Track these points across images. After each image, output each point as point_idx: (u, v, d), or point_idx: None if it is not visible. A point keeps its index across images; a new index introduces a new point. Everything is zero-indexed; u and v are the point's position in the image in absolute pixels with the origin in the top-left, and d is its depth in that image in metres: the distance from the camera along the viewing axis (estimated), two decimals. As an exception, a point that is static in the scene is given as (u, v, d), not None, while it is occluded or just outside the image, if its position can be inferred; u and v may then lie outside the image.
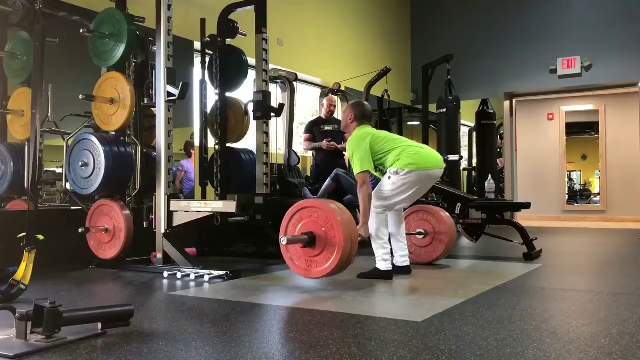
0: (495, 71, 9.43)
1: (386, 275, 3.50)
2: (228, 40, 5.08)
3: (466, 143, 10.58)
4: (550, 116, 10.81)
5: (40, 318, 2.04)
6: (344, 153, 5.98)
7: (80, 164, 4.15)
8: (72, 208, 4.57)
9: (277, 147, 5.91)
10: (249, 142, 5.23)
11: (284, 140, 5.83)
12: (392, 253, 3.66)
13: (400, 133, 8.71)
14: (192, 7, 5.44)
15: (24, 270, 2.92)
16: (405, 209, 3.90)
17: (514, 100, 9.76)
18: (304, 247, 3.18)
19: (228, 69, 5.02)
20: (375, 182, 3.70)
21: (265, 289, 3.38)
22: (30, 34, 4.25)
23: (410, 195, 3.56)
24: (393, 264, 3.61)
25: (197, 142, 5.41)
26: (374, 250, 3.55)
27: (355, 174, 3.60)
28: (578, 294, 3.19)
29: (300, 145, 6.65)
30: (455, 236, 4.24)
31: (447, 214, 4.30)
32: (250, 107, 4.79)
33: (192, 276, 3.66)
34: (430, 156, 3.64)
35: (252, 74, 4.97)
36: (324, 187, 5.19)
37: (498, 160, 9.57)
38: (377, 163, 3.59)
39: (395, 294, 3.21)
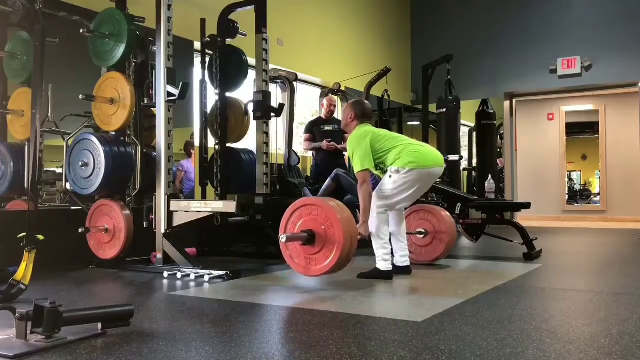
0: (495, 71, 9.43)
1: (386, 276, 3.50)
2: (228, 40, 5.08)
3: (466, 143, 10.58)
4: (550, 116, 10.81)
5: (40, 318, 2.04)
6: (344, 153, 5.98)
7: (80, 164, 4.15)
8: (72, 208, 4.57)
9: (277, 147, 5.91)
10: (249, 142, 5.23)
11: (284, 140, 5.83)
12: (392, 253, 3.66)
13: (400, 133, 8.65)
14: (192, 7, 5.44)
15: (24, 270, 2.92)
16: (405, 209, 3.90)
17: (514, 100, 9.76)
18: (303, 245, 3.19)
19: (228, 69, 5.02)
20: (376, 182, 3.71)
21: (265, 289, 3.38)
22: (30, 34, 4.25)
23: (411, 194, 3.56)
24: (393, 264, 3.61)
25: (197, 142, 5.41)
26: (375, 250, 3.55)
27: (355, 172, 3.60)
28: (578, 294, 3.19)
29: (300, 145, 6.65)
30: (455, 236, 4.24)
31: (448, 213, 4.30)
32: (250, 107, 4.79)
33: (192, 276, 3.66)
34: (431, 154, 3.64)
35: (252, 74, 4.97)
36: (324, 187, 5.19)
37: (498, 160, 9.57)
38: (378, 161, 3.59)
39: (395, 294, 3.21)
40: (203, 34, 5.11)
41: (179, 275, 3.70)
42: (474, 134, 9.64)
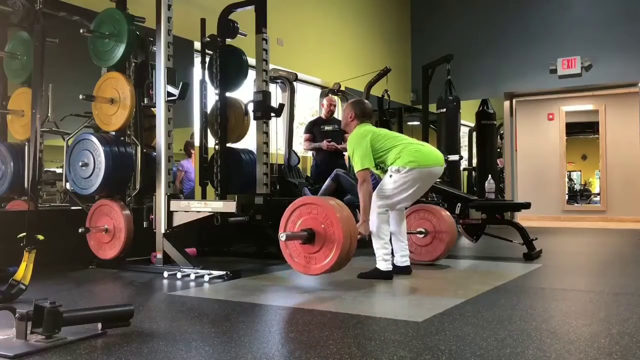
0: (495, 71, 9.43)
1: (386, 276, 3.50)
2: (228, 40, 5.08)
3: (466, 143, 10.58)
4: (550, 116, 10.81)
5: (40, 318, 2.04)
6: (344, 153, 5.98)
7: (80, 164, 4.15)
8: (72, 208, 4.57)
9: (277, 147, 5.91)
10: (249, 142, 5.23)
11: (284, 140, 5.83)
12: (392, 253, 3.66)
13: (400, 133, 8.70)
14: (192, 7, 5.44)
15: (24, 270, 2.92)
16: (406, 208, 3.90)
17: (514, 100, 9.76)
18: (303, 244, 3.19)
19: (228, 69, 5.02)
20: (376, 182, 3.70)
21: (265, 289, 3.38)
22: (30, 34, 4.25)
23: (411, 193, 3.56)
24: (393, 264, 3.61)
25: (197, 142, 5.41)
26: (375, 250, 3.55)
27: (355, 171, 3.60)
28: (578, 294, 3.19)
29: (300, 145, 6.65)
30: (455, 235, 4.25)
31: (448, 213, 4.31)
32: (250, 107, 4.79)
33: (192, 276, 3.66)
34: (431, 153, 3.64)
35: (252, 74, 4.97)
36: (324, 187, 5.19)
37: (498, 160, 9.57)
38: (378, 161, 3.59)
39: (395, 294, 3.21)
40: (203, 34, 5.11)
41: (179, 275, 3.70)
42: (474, 134, 9.64)
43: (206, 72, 5.16)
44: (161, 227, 3.99)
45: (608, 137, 10.38)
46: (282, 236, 3.17)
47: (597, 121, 10.60)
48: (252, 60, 4.90)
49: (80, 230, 4.16)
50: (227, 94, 5.09)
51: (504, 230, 4.87)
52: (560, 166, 10.72)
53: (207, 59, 5.16)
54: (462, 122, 8.74)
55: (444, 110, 8.21)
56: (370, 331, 2.28)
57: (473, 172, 9.94)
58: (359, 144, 3.56)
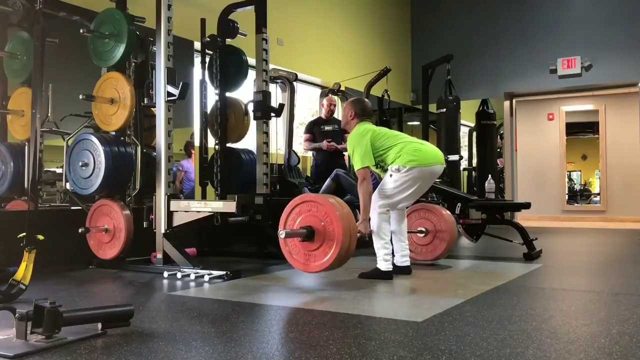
0: (495, 71, 9.44)
1: (386, 276, 3.50)
2: (228, 40, 5.08)
3: (466, 143, 10.59)
4: (550, 116, 10.81)
5: (40, 318, 2.03)
6: (344, 153, 5.98)
7: (80, 164, 4.15)
8: (72, 208, 4.57)
9: (277, 147, 5.91)
10: (249, 142, 5.22)
11: (284, 140, 5.83)
12: (392, 253, 3.66)
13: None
14: (192, 7, 5.44)
15: (24, 270, 2.92)
16: (406, 207, 3.90)
17: (514, 100, 9.76)
18: (302, 241, 3.19)
19: (228, 69, 5.02)
20: (376, 181, 3.70)
21: (265, 289, 3.38)
22: (30, 34, 4.25)
23: (412, 192, 3.56)
24: (393, 264, 3.60)
25: (197, 142, 5.41)
26: (375, 250, 3.55)
27: (355, 169, 3.60)
28: (578, 294, 3.19)
29: (300, 145, 6.64)
30: (456, 234, 4.25)
31: (448, 212, 4.31)
32: (250, 107, 4.79)
33: (192, 276, 3.65)
34: (432, 152, 3.64)
35: (252, 74, 4.97)
36: (324, 187, 5.19)
37: (498, 160, 9.58)
38: (378, 159, 3.58)
39: (395, 294, 3.21)
40: (203, 34, 5.11)
41: (179, 275, 3.70)
42: (474, 134, 9.64)
43: (206, 72, 5.15)
44: (161, 227, 3.99)
45: (608, 137, 10.38)
46: (281, 233, 3.17)
47: (597, 121, 10.60)
48: (252, 60, 4.90)
49: (80, 230, 4.16)
50: (227, 94, 5.09)
51: (504, 230, 4.87)
52: (560, 166, 10.73)
53: (207, 59, 5.16)
54: (462, 122, 8.74)
55: (444, 110, 8.21)
56: (370, 331, 2.28)
57: (473, 172, 9.95)
58: (359, 143, 3.56)
